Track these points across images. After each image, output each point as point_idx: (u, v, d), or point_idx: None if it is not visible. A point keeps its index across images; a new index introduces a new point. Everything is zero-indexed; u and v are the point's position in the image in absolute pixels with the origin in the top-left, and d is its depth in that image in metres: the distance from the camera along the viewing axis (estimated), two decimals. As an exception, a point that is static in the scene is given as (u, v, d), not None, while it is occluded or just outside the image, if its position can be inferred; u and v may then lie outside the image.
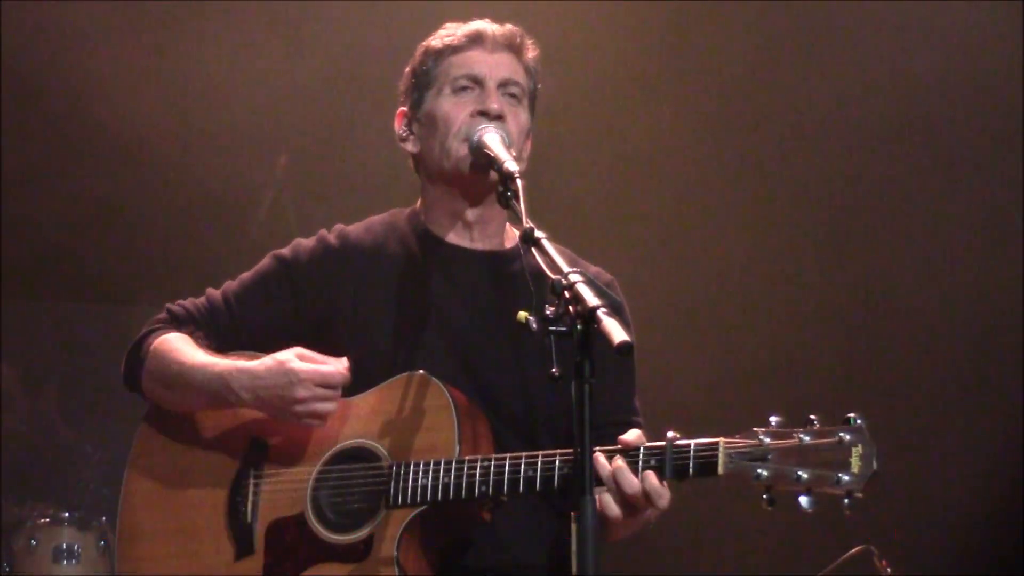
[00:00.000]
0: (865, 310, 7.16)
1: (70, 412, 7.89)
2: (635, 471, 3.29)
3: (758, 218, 7.20)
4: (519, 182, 3.41)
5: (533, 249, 3.29)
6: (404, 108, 3.79)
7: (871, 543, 5.67)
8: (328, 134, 7.30)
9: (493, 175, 3.53)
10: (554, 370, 3.10)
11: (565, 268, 3.15)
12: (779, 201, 7.20)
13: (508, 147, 3.56)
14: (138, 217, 7.40)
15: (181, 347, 3.73)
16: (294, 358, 3.56)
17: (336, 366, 3.56)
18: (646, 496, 3.27)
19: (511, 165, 3.46)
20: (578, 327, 3.02)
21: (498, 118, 3.64)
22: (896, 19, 6.87)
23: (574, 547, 2.96)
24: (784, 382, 6.96)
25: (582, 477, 2.99)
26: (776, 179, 7.19)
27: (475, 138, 3.59)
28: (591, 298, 3.04)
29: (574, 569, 2.95)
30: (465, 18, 3.80)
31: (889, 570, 5.66)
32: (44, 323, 7.93)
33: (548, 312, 3.10)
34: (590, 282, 3.09)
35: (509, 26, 3.76)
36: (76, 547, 6.72)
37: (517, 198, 3.39)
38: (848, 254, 7.19)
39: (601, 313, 3.00)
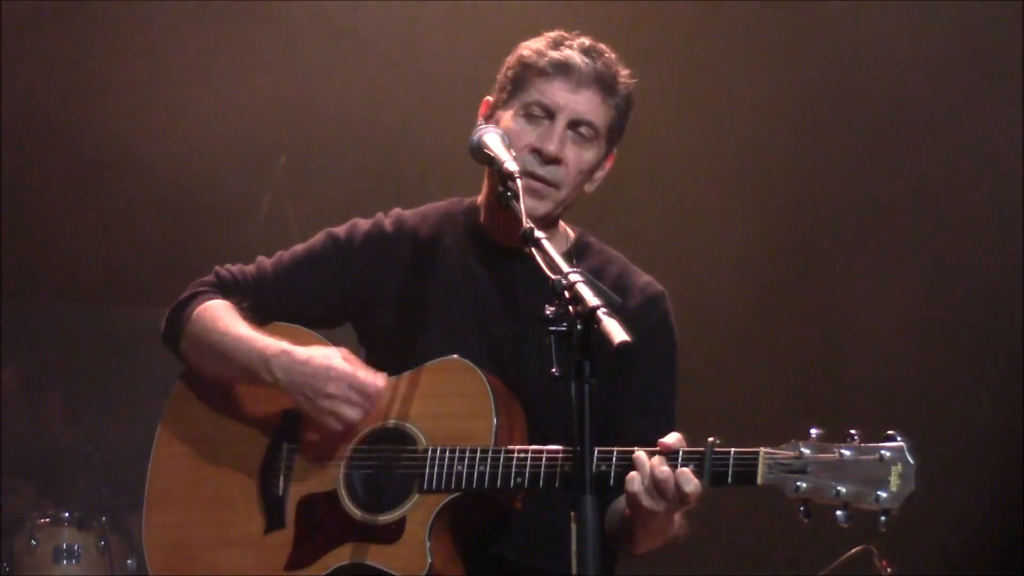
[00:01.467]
0: (865, 309, 7.17)
1: (70, 412, 7.89)
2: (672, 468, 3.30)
3: (767, 222, 7.21)
4: (519, 182, 3.40)
5: (533, 249, 3.28)
6: (491, 99, 3.74)
7: (871, 543, 5.67)
8: (328, 134, 7.30)
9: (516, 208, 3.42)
10: (554, 370, 3.08)
11: (565, 268, 3.14)
12: (786, 205, 7.20)
13: (508, 147, 3.53)
14: (138, 217, 7.40)
15: (225, 315, 3.72)
16: (338, 356, 3.57)
17: (375, 380, 3.55)
18: (676, 483, 3.27)
19: (511, 165, 3.44)
20: (578, 327, 3.02)
21: (553, 161, 3.62)
22: (896, 18, 6.87)
23: (574, 547, 2.96)
24: (786, 384, 6.97)
25: (582, 477, 2.99)
26: (777, 185, 7.20)
27: (475, 138, 3.56)
28: (591, 298, 3.03)
29: (574, 569, 2.95)
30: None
31: (889, 570, 5.66)
32: (45, 323, 7.93)
33: (548, 312, 3.09)
34: (590, 282, 3.09)
35: (604, 60, 3.67)
36: (76, 547, 6.72)
37: (517, 198, 3.38)
38: (849, 253, 7.19)
39: (601, 313, 2.99)
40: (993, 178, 6.95)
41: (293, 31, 7.16)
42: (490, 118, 3.70)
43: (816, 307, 7.21)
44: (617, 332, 2.96)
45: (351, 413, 3.54)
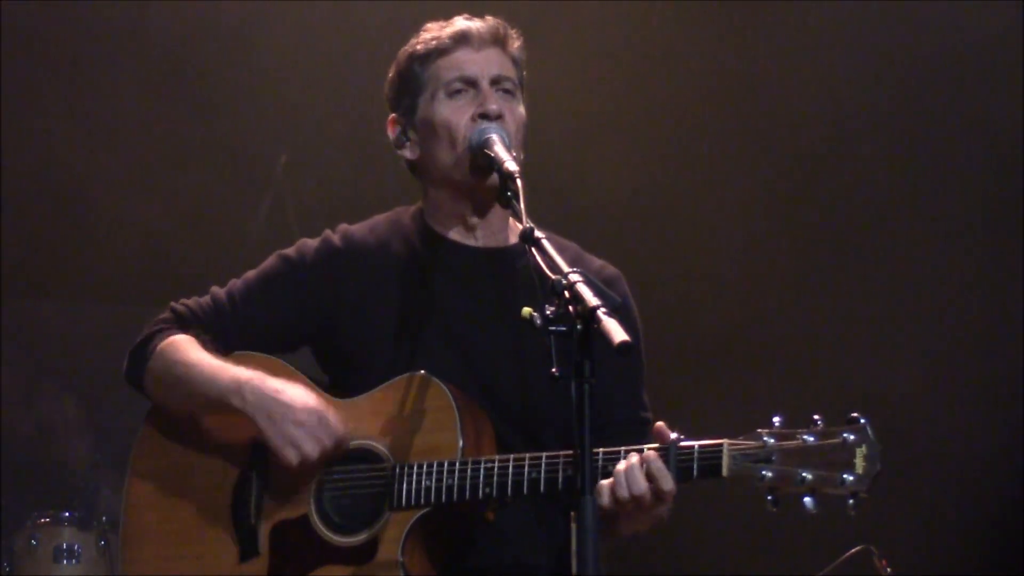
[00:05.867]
0: (864, 308, 7.16)
1: (71, 412, 7.89)
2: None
3: (760, 216, 7.21)
4: (519, 182, 3.42)
5: (533, 249, 3.29)
6: (395, 115, 3.77)
7: (871, 543, 5.67)
8: (328, 134, 7.30)
9: (495, 179, 3.53)
10: (554, 370, 3.09)
11: (565, 268, 3.15)
12: (780, 199, 7.20)
13: (508, 147, 3.56)
14: (139, 217, 7.40)
15: (189, 348, 3.71)
16: (312, 394, 3.57)
17: (341, 426, 3.54)
18: (649, 477, 3.27)
19: (511, 165, 3.46)
20: (578, 327, 3.02)
21: (499, 118, 3.63)
22: (896, 18, 6.87)
23: (574, 547, 2.96)
24: (783, 381, 6.97)
25: (582, 477, 2.99)
26: (775, 177, 7.19)
27: (474, 139, 3.59)
28: (591, 298, 3.04)
29: (574, 569, 2.95)
30: (470, 16, 3.77)
31: (889, 570, 5.66)
32: (45, 323, 7.92)
33: (548, 312, 3.09)
34: (590, 282, 3.09)
35: (491, 19, 3.73)
36: (76, 547, 6.70)
37: (517, 198, 3.40)
38: (848, 252, 7.19)
39: (601, 313, 3.00)
40: (993, 179, 6.95)
41: (295, 30, 7.16)
42: (406, 131, 3.73)
43: (811, 307, 7.21)
44: (617, 332, 2.97)
45: (311, 448, 3.52)
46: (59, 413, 7.92)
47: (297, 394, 3.56)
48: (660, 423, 3.36)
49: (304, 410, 3.53)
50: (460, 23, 3.71)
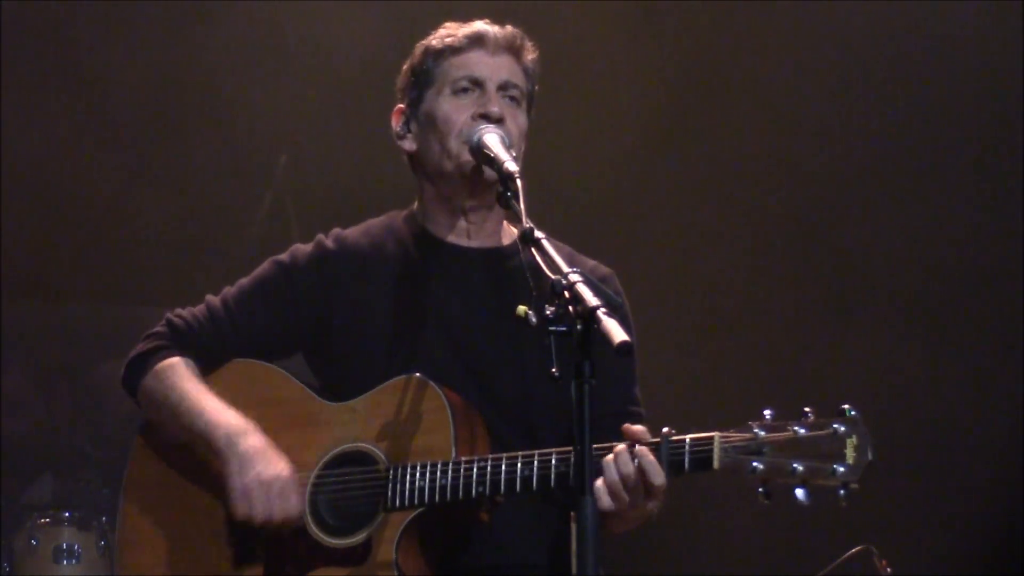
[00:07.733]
0: (864, 307, 7.17)
1: (70, 412, 7.89)
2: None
3: (755, 212, 7.21)
4: (519, 182, 3.42)
5: (532, 249, 3.30)
6: (402, 106, 3.79)
7: (871, 543, 5.68)
8: (328, 134, 7.30)
9: (491, 174, 3.54)
10: (554, 370, 3.10)
11: (565, 268, 3.15)
12: (776, 196, 7.20)
13: (508, 148, 3.56)
14: (139, 217, 7.40)
15: (184, 375, 3.73)
16: (291, 474, 3.57)
17: (293, 513, 3.55)
18: (641, 472, 3.27)
19: (511, 165, 3.47)
20: (578, 327, 3.02)
21: (499, 121, 3.64)
22: (896, 19, 6.88)
23: (574, 547, 2.96)
24: (779, 379, 6.97)
25: (582, 477, 2.99)
26: (771, 175, 7.19)
27: (475, 138, 3.59)
28: (591, 298, 3.04)
29: (574, 569, 2.95)
30: (467, 19, 3.80)
31: (889, 570, 5.66)
32: (45, 324, 7.93)
33: (548, 312, 3.09)
34: (589, 282, 3.09)
35: (509, 28, 3.75)
36: (76, 547, 6.71)
37: (517, 198, 3.40)
38: (846, 249, 7.19)
39: (601, 313, 3.00)
40: (993, 178, 6.96)
41: (296, 31, 7.17)
42: (409, 123, 3.75)
43: (811, 303, 7.21)
44: (617, 332, 2.97)
45: (260, 513, 3.54)
46: (59, 413, 7.92)
47: (274, 459, 3.57)
48: (626, 425, 3.36)
49: (274, 476, 3.54)
50: (479, 25, 3.74)
